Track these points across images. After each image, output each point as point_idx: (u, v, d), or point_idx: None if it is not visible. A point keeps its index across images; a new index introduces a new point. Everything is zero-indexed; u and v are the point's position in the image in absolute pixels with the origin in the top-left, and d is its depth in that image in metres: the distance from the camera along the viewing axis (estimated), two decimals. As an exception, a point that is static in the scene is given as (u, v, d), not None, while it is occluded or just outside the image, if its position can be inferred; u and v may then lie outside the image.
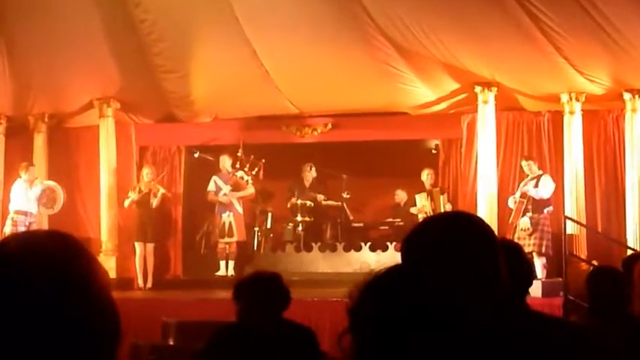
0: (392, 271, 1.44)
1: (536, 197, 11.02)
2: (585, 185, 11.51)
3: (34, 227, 11.90)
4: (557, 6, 9.94)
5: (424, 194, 12.26)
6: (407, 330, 1.36)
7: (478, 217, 2.10)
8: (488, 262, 1.87)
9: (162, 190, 12.49)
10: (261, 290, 3.82)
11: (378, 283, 1.43)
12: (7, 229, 11.82)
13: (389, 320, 1.37)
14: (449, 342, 1.36)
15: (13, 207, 11.97)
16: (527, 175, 11.23)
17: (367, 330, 1.39)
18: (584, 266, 10.24)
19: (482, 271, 1.86)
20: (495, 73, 11.43)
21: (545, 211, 11.04)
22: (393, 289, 1.40)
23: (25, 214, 11.96)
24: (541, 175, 11.22)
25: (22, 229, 11.73)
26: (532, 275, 2.78)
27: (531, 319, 2.03)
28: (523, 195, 11.09)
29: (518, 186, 11.28)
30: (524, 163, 11.36)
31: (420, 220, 11.88)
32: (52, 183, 12.37)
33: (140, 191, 12.33)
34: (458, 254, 1.85)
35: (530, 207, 11.02)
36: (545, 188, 11.10)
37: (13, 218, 11.89)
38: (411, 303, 1.37)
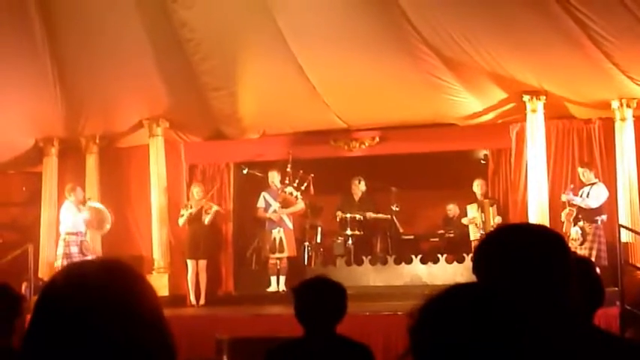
0: (454, 290, 1.42)
1: (584, 206, 10.88)
2: (639, 192, 11.32)
3: (86, 245, 12.08)
4: (605, 11, 9.80)
5: (475, 205, 12.19)
6: (471, 352, 1.33)
7: (552, 231, 2.04)
8: (561, 280, 1.84)
9: (215, 207, 12.58)
10: (318, 296, 3.80)
11: (440, 302, 1.41)
12: (60, 251, 11.98)
13: (451, 342, 1.35)
14: None
15: (63, 228, 12.12)
16: (582, 183, 11.12)
17: (429, 352, 1.37)
18: (640, 275, 10.07)
19: (554, 289, 1.82)
20: (543, 81, 11.31)
21: (599, 220, 10.87)
22: (456, 309, 1.38)
23: (76, 234, 12.12)
24: (594, 184, 11.08)
25: (74, 248, 11.92)
26: (603, 292, 2.72)
27: (594, 338, 1.99)
28: (571, 203, 10.98)
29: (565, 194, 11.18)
30: (580, 170, 11.26)
31: (471, 231, 11.87)
32: (98, 205, 12.50)
33: (192, 209, 12.41)
34: (529, 270, 1.81)
35: (580, 216, 10.88)
36: (595, 198, 10.94)
37: (65, 239, 12.05)
38: (475, 325, 1.34)
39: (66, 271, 1.42)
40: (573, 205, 10.98)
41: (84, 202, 12.30)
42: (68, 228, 12.08)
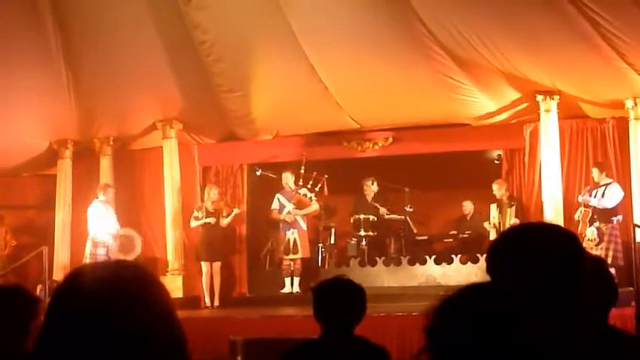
0: (469, 290, 1.42)
1: (599, 207, 10.84)
2: (654, 192, 11.28)
3: (113, 247, 12.13)
4: (618, 11, 9.76)
5: (495, 205, 12.10)
6: (486, 352, 1.33)
7: (565, 230, 2.04)
8: (575, 279, 1.83)
9: (236, 210, 12.59)
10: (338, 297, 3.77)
11: (456, 302, 1.40)
12: (88, 251, 12.02)
13: (467, 342, 1.35)
14: None
15: (91, 229, 12.15)
16: (596, 183, 11.08)
17: (445, 352, 1.37)
18: (655, 275, 10.00)
19: (568, 289, 1.82)
20: (557, 81, 11.28)
21: (615, 220, 10.83)
22: (472, 309, 1.38)
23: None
24: (608, 184, 11.03)
25: (101, 250, 11.98)
26: (616, 291, 2.71)
27: (608, 339, 1.98)
28: (587, 204, 10.94)
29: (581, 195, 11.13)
30: (594, 169, 11.22)
31: (491, 232, 11.79)
32: (129, 231, 12.52)
33: (207, 211, 12.42)
34: (544, 269, 1.81)
35: (596, 217, 10.84)
36: (610, 198, 10.90)
37: (93, 240, 12.09)
38: (490, 325, 1.34)
39: (77, 273, 1.43)
40: (589, 206, 10.94)
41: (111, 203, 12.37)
42: (96, 228, 12.12)
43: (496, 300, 1.38)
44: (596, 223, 10.80)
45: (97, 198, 12.40)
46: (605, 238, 10.72)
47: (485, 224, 12.14)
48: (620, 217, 10.90)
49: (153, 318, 1.35)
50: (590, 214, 10.88)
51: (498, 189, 12.04)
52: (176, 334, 1.38)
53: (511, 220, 11.70)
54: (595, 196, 10.97)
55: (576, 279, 1.85)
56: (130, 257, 12.34)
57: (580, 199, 11.11)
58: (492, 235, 12.00)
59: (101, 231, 12.15)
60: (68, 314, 1.34)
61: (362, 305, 3.80)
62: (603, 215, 10.83)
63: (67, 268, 12.24)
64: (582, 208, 11.03)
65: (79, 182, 13.39)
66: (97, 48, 11.61)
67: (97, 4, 11.17)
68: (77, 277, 1.40)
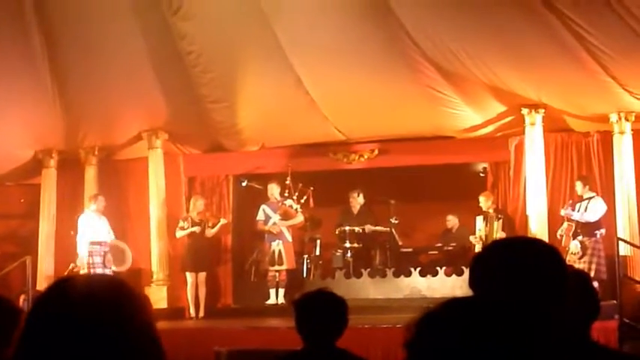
0: (450, 304, 1.42)
1: (582, 221, 10.89)
2: (638, 206, 11.33)
3: (109, 257, 12.08)
4: (603, 25, 9.82)
5: (481, 217, 12.11)
6: None
7: (547, 244, 2.05)
8: (557, 293, 1.84)
9: (223, 221, 12.60)
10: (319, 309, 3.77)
11: (436, 317, 1.41)
12: (84, 260, 11.96)
13: (447, 357, 1.35)
14: None
15: (85, 238, 12.09)
16: (579, 197, 11.13)
17: None
18: (639, 288, 10.07)
19: (549, 303, 1.82)
20: (542, 94, 11.34)
21: (598, 234, 10.88)
22: (453, 323, 1.38)
23: (100, 243, 12.13)
24: (591, 198, 11.08)
25: (97, 259, 11.94)
26: (598, 305, 2.73)
27: (590, 352, 1.99)
28: (569, 219, 10.99)
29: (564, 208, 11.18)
30: (577, 183, 11.28)
31: (474, 244, 11.80)
32: (119, 243, 12.47)
33: (193, 221, 12.41)
34: (525, 283, 1.82)
35: (579, 231, 10.88)
36: (593, 212, 10.95)
37: (88, 249, 12.03)
38: (472, 339, 1.35)
39: (58, 284, 1.44)
40: (572, 220, 10.99)
41: (102, 212, 12.33)
42: (91, 237, 12.07)
43: (478, 314, 1.39)
44: (580, 237, 10.84)
45: (88, 208, 12.35)
46: (588, 251, 10.76)
47: (471, 238, 12.13)
48: (603, 231, 10.95)
49: (131, 331, 1.35)
50: (574, 228, 10.93)
51: (485, 201, 12.06)
52: (154, 348, 1.39)
53: (498, 233, 11.71)
54: (578, 210, 11.02)
55: (558, 293, 1.86)
56: (121, 269, 12.31)
57: (562, 213, 11.16)
58: (478, 248, 12.00)
59: (93, 240, 12.07)
60: (47, 325, 1.34)
61: (344, 318, 3.80)
62: (586, 229, 10.88)
63: (51, 279, 12.17)
64: (566, 222, 11.08)
65: (63, 192, 13.34)
66: (83, 57, 11.58)
67: (83, 14, 11.13)
68: (58, 288, 1.41)
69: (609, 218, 11.22)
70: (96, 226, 12.16)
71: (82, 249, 12.05)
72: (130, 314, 1.38)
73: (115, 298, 1.39)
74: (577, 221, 10.95)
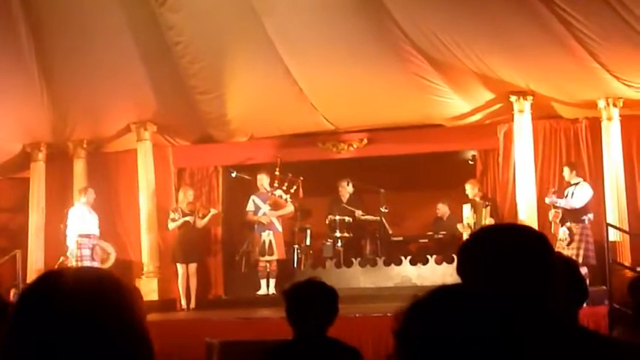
0: (438, 292, 1.42)
1: (567, 207, 10.92)
2: (626, 191, 11.38)
3: (97, 250, 12.05)
4: (590, 12, 9.85)
5: (469, 205, 12.13)
6: (455, 353, 1.34)
7: (535, 231, 2.06)
8: (545, 279, 1.85)
9: (213, 211, 12.61)
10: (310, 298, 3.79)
11: (425, 305, 1.41)
12: (73, 252, 11.93)
13: (436, 344, 1.36)
14: None
15: (74, 231, 12.06)
16: (567, 182, 11.16)
17: (414, 353, 1.38)
18: (628, 273, 10.11)
19: (537, 290, 1.83)
20: (530, 81, 11.36)
21: (586, 220, 10.91)
22: (442, 311, 1.39)
23: (89, 236, 12.08)
24: (577, 184, 11.11)
25: (86, 251, 11.90)
26: (586, 291, 2.75)
27: (579, 338, 2.00)
28: (555, 206, 11.02)
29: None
30: (565, 168, 11.30)
31: (462, 232, 11.82)
32: (104, 243, 12.44)
33: (183, 212, 12.40)
34: (513, 270, 1.82)
35: (567, 217, 10.91)
36: (579, 198, 10.97)
37: (77, 241, 11.99)
38: (460, 326, 1.35)
39: (45, 277, 1.44)
40: (558, 207, 11.02)
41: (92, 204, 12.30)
42: (80, 230, 12.03)
43: (466, 301, 1.39)
44: (568, 223, 10.87)
45: (78, 200, 12.30)
46: (576, 237, 10.78)
47: (459, 226, 12.17)
48: (590, 216, 10.97)
49: (119, 324, 1.35)
50: (561, 215, 10.95)
51: (471, 189, 12.09)
52: (143, 341, 1.39)
53: (486, 221, 11.72)
54: (566, 196, 11.03)
55: (547, 279, 1.87)
56: (105, 266, 12.30)
57: (547, 201, 11.18)
58: (466, 236, 11.98)
59: (82, 233, 12.04)
60: (33, 317, 1.34)
61: (334, 307, 3.82)
62: (574, 215, 10.90)
63: (41, 272, 12.15)
64: (553, 210, 11.11)
65: (52, 185, 13.30)
66: (71, 50, 11.54)
67: (70, 6, 11.09)
68: (45, 281, 1.41)
69: (598, 204, 11.25)
70: (85, 219, 12.12)
71: (72, 242, 12.03)
72: (117, 307, 1.38)
73: (103, 290, 1.39)
74: (564, 208, 10.98)
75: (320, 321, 3.77)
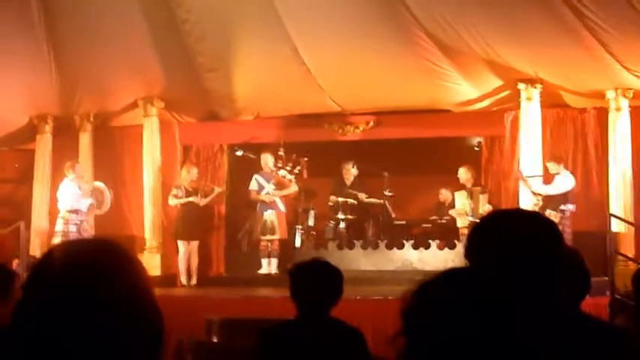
0: (448, 274, 1.42)
1: (544, 194, 10.92)
2: (633, 182, 11.36)
3: (85, 225, 12.03)
4: (602, 1, 9.80)
5: (464, 192, 12.13)
6: (462, 335, 1.34)
7: (549, 220, 2.05)
8: (552, 266, 1.85)
9: (217, 189, 12.62)
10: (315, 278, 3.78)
11: (434, 286, 1.41)
12: (59, 228, 11.92)
13: (443, 326, 1.36)
14: (502, 349, 1.34)
15: (63, 206, 12.05)
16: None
17: (421, 334, 1.38)
18: (631, 265, 10.10)
19: (545, 275, 1.83)
20: (539, 69, 11.32)
21: (565, 209, 10.87)
22: (450, 293, 1.39)
23: (76, 212, 12.03)
24: (559, 173, 11.10)
25: (73, 227, 11.86)
26: (590, 282, 2.75)
27: (582, 326, 2.00)
28: (521, 177, 11.09)
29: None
30: (548, 164, 11.26)
31: (458, 220, 11.82)
32: (99, 184, 12.46)
33: (187, 190, 12.38)
34: (521, 256, 1.82)
35: (547, 205, 10.89)
36: (556, 186, 10.96)
37: (64, 217, 11.97)
38: (468, 309, 1.35)
39: (59, 248, 1.44)
40: (537, 194, 11.05)
41: (83, 178, 12.24)
42: (67, 206, 12.01)
43: (475, 285, 1.39)
44: (547, 211, 10.80)
45: (67, 176, 12.18)
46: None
47: (452, 212, 12.18)
48: (571, 207, 10.94)
49: (129, 293, 1.35)
50: (541, 203, 10.97)
51: (465, 173, 12.10)
52: (152, 310, 1.39)
53: (484, 207, 11.70)
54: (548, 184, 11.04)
55: (556, 266, 1.87)
56: (101, 211, 12.30)
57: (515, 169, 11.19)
58: (460, 223, 12.01)
59: (70, 209, 11.99)
60: (45, 289, 1.34)
61: (338, 288, 3.82)
62: (552, 203, 10.90)
63: (45, 244, 12.19)
64: (534, 198, 11.12)
65: (58, 158, 13.29)
66: (80, 24, 11.51)
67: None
68: (56, 253, 1.41)
69: (602, 194, 11.24)
70: (74, 195, 12.05)
71: (59, 218, 12.00)
72: (128, 275, 1.38)
73: (112, 260, 1.39)
74: (544, 196, 10.99)
75: (324, 301, 3.77)
